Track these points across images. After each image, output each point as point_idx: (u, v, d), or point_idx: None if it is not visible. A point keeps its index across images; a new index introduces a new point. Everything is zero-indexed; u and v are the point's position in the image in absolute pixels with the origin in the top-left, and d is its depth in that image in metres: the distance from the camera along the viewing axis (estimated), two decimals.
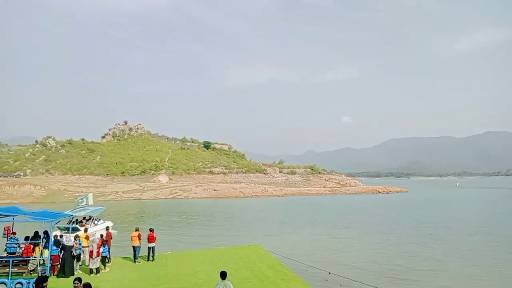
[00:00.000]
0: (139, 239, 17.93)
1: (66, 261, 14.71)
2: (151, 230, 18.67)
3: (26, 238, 15.64)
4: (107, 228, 18.90)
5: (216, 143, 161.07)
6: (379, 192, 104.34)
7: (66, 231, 25.30)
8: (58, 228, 27.63)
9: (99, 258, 15.35)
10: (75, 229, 26.34)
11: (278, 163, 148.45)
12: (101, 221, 34.45)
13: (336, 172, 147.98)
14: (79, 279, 8.56)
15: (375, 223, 39.69)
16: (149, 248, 18.06)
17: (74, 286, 8.34)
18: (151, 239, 18.02)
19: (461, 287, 17.08)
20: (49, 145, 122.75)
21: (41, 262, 15.06)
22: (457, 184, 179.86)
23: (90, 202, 35.49)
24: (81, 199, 35.67)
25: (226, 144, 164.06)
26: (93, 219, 31.74)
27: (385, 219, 42.76)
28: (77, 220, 29.97)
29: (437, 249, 25.24)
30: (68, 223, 28.09)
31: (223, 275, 10.22)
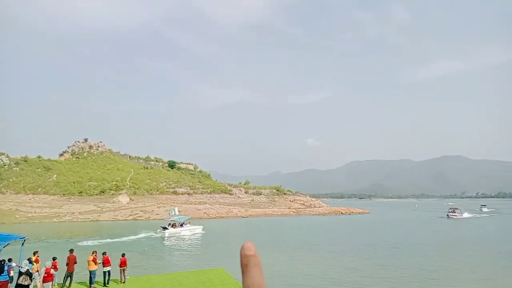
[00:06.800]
0: (95, 263, 17.11)
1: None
2: (104, 253, 17.91)
3: None
4: (71, 250, 17.83)
5: (181, 162, 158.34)
6: (341, 213, 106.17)
7: (167, 228, 48.70)
8: (161, 226, 50.12)
9: (50, 284, 14.45)
10: (165, 228, 48.76)
11: (244, 184, 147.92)
12: (188, 225, 52.15)
13: (301, 193, 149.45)
14: None
15: (336, 244, 40.22)
16: (104, 272, 17.25)
17: None
18: (106, 262, 17.25)
19: None
20: (1, 162, 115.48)
21: None
22: (416, 206, 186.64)
23: (176, 212, 56.38)
24: (171, 211, 57.29)
25: (192, 164, 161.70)
26: (181, 223, 51.44)
27: (347, 241, 43.48)
28: (174, 224, 50.70)
29: (398, 270, 25.92)
30: (169, 225, 49.97)
31: None
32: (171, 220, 52.28)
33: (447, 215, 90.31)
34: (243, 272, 0.95)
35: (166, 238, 46.29)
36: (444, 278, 23.31)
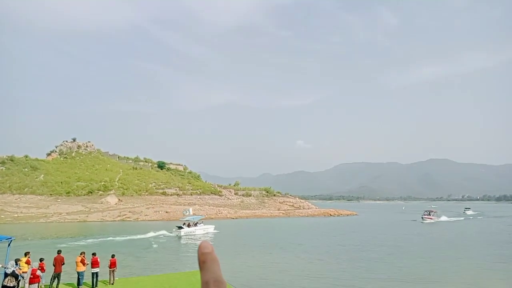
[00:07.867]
0: (83, 264, 17.06)
1: None
2: (93, 254, 17.87)
3: None
4: (59, 251, 17.70)
5: (171, 163, 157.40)
6: (330, 215, 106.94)
7: (182, 227, 50.95)
8: (176, 226, 51.92)
9: (36, 285, 14.40)
10: (180, 228, 50.79)
11: (234, 185, 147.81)
12: (202, 224, 55.03)
13: (290, 195, 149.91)
14: None
15: (324, 247, 40.60)
16: (92, 274, 17.22)
17: None
18: (94, 264, 17.23)
19: None
20: None
21: None
22: (403, 208, 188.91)
23: (191, 213, 58.00)
24: (185, 211, 58.83)
25: (181, 165, 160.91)
26: (195, 223, 54.06)
27: (337, 243, 43.91)
28: (189, 224, 53.32)
29: (384, 272, 26.34)
30: (183, 225, 52.44)
31: None
32: (186, 220, 54.97)
33: (422, 218, 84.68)
34: (201, 268, 0.98)
35: (182, 237, 48.71)
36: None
